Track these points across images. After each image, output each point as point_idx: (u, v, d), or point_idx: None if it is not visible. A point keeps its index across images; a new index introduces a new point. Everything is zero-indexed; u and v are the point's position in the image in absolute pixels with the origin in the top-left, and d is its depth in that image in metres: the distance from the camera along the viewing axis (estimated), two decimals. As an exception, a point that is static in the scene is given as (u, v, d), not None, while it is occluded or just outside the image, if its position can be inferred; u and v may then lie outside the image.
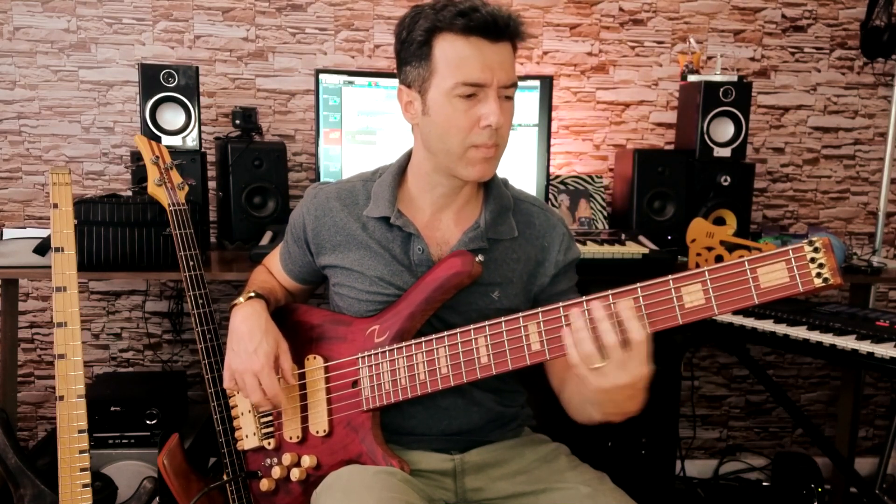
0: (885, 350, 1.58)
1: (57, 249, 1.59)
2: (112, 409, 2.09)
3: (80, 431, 1.57)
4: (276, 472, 1.38)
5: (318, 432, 1.35)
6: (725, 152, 2.33)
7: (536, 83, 2.26)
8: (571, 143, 2.64)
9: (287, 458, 1.37)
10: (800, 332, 1.73)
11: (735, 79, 2.35)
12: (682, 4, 2.61)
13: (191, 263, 1.59)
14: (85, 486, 1.57)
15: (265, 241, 2.06)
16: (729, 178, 2.32)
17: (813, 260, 1.00)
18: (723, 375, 2.82)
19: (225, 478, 1.50)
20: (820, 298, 2.31)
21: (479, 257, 1.28)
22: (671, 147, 2.61)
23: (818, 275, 1.00)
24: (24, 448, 2.00)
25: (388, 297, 1.33)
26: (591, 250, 2.05)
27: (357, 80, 2.24)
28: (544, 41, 2.59)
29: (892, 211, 2.71)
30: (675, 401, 2.27)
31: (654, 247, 2.14)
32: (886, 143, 2.49)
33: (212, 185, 2.36)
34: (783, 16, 2.65)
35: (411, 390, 1.27)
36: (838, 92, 2.70)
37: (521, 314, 1.19)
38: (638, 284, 1.09)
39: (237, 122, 2.27)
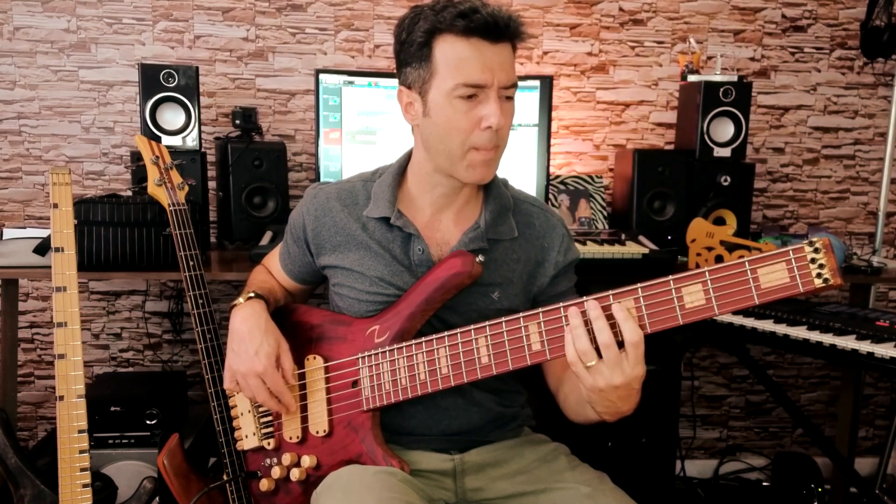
0: (885, 350, 1.58)
1: (57, 249, 1.59)
2: (112, 409, 2.09)
3: (80, 431, 1.57)
4: (276, 472, 1.38)
5: (318, 432, 1.35)
6: (725, 152, 2.34)
7: (536, 83, 2.26)
8: (571, 143, 2.64)
9: (287, 459, 1.37)
10: (800, 332, 1.73)
11: (735, 79, 2.35)
12: (682, 4, 2.61)
13: (191, 263, 1.59)
14: (85, 486, 1.57)
15: (265, 241, 2.06)
16: (729, 178, 2.32)
17: (813, 260, 1.00)
18: (723, 375, 2.83)
19: (225, 478, 1.50)
20: (820, 298, 2.31)
21: (480, 258, 1.28)
22: (671, 147, 2.61)
23: (818, 275, 1.00)
24: (24, 448, 2.00)
25: (389, 297, 1.33)
26: (591, 250, 2.05)
27: (357, 80, 2.24)
28: (544, 41, 2.59)
29: (892, 211, 2.71)
30: (675, 401, 2.27)
31: (654, 247, 2.14)
32: (886, 143, 2.49)
33: (212, 185, 2.36)
34: (783, 16, 2.65)
35: (411, 390, 1.27)
36: (838, 92, 2.70)
37: (521, 314, 1.19)
38: (638, 285, 1.09)
39: (237, 122, 2.27)
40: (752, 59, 2.66)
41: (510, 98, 1.26)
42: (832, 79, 2.69)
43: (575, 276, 1.45)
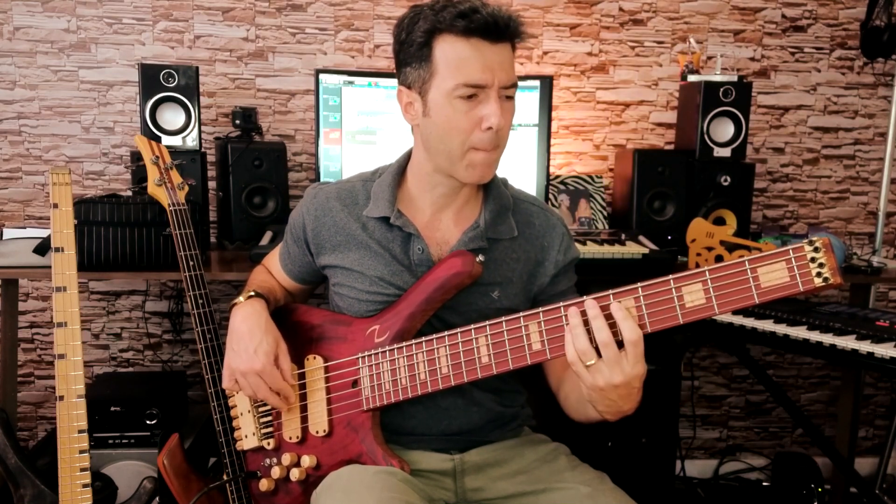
0: (885, 350, 1.58)
1: (57, 249, 1.58)
2: (112, 409, 2.09)
3: (80, 431, 1.57)
4: (276, 472, 1.38)
5: (317, 432, 1.35)
6: (725, 152, 2.34)
7: (536, 83, 2.26)
8: (571, 143, 2.64)
9: (287, 459, 1.37)
10: (800, 332, 1.73)
11: (735, 79, 2.35)
12: (682, 4, 2.61)
13: (191, 263, 1.59)
14: (85, 486, 1.57)
15: (265, 241, 2.06)
16: (729, 178, 2.32)
17: (813, 259, 1.00)
18: (723, 375, 2.83)
19: (225, 478, 1.50)
20: (820, 298, 2.31)
21: (480, 257, 1.28)
22: (671, 147, 2.61)
23: (818, 274, 1.00)
24: (24, 448, 2.00)
25: (389, 297, 1.33)
26: (591, 250, 2.05)
27: (357, 80, 2.24)
28: (544, 41, 2.59)
29: (892, 211, 2.71)
30: (675, 401, 2.27)
31: (654, 247, 2.14)
32: (886, 143, 2.49)
33: (212, 185, 2.36)
34: (783, 16, 2.65)
35: (412, 390, 1.27)
36: (838, 92, 2.70)
37: (521, 314, 1.19)
38: (638, 284, 1.09)
39: (237, 122, 2.27)
40: (752, 59, 2.66)
41: (510, 98, 1.27)
42: (832, 79, 2.69)
43: (575, 275, 1.45)
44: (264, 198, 2.25)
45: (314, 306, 1.45)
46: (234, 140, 2.26)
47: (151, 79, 2.13)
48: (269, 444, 1.41)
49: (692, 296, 1.07)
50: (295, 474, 1.35)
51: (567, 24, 2.59)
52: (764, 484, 2.76)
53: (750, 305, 1.04)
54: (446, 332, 1.25)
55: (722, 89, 2.30)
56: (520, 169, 2.27)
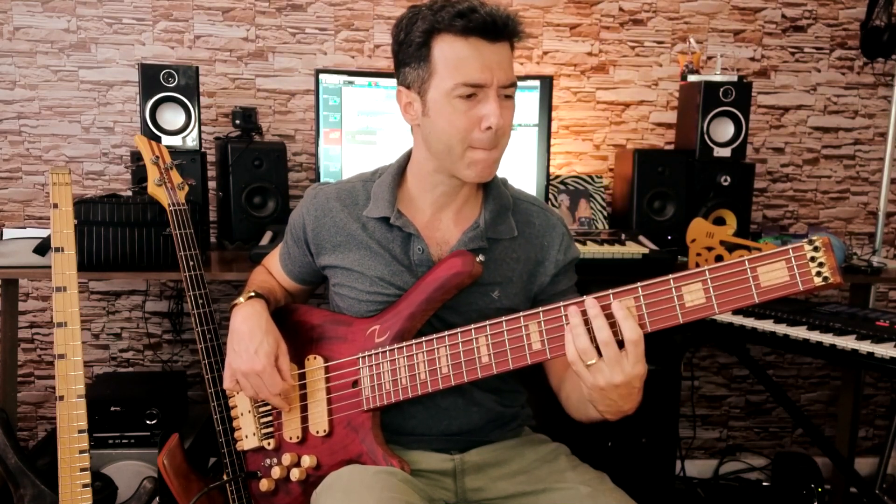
0: (885, 350, 1.58)
1: (57, 249, 1.58)
2: (112, 409, 2.09)
3: (80, 431, 1.57)
4: (276, 472, 1.38)
5: (318, 432, 1.35)
6: (725, 152, 2.33)
7: (536, 83, 2.26)
8: (571, 143, 2.64)
9: (287, 459, 1.37)
10: (800, 332, 1.73)
11: (735, 79, 2.35)
12: (682, 4, 2.61)
13: (191, 263, 1.59)
14: (85, 486, 1.57)
15: (265, 241, 2.06)
16: (729, 178, 2.32)
17: (813, 259, 1.00)
18: (723, 375, 2.83)
19: (225, 478, 1.50)
20: (820, 298, 2.31)
21: (480, 257, 1.28)
22: (671, 147, 2.61)
23: (818, 273, 1.00)
24: (24, 448, 2.00)
25: (389, 297, 1.33)
26: (591, 250, 2.05)
27: (357, 80, 2.24)
28: (544, 41, 2.59)
29: (892, 211, 2.71)
30: (675, 401, 2.27)
31: (654, 247, 2.14)
32: (886, 143, 2.48)
33: (212, 185, 2.36)
34: (783, 16, 2.65)
35: (412, 390, 1.27)
36: (838, 92, 2.70)
37: (521, 313, 1.19)
38: (638, 284, 1.09)
39: (237, 122, 2.27)
40: (752, 59, 2.66)
41: (509, 97, 1.26)
42: (832, 79, 2.69)
43: (575, 274, 1.45)
44: (264, 198, 2.25)
45: (314, 306, 1.45)
46: (234, 140, 2.26)
47: (151, 79, 2.13)
48: (269, 444, 1.41)
49: (692, 295, 1.07)
50: (295, 474, 1.35)
51: (567, 24, 2.59)
52: (764, 484, 2.76)
53: (750, 305, 1.04)
54: (446, 332, 1.25)
55: (722, 89, 2.30)
56: (520, 169, 2.27)
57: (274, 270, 1.54)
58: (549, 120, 2.28)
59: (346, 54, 2.51)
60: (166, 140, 2.12)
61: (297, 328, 1.41)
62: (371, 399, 1.31)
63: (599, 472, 1.34)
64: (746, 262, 1.04)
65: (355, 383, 1.33)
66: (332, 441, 1.34)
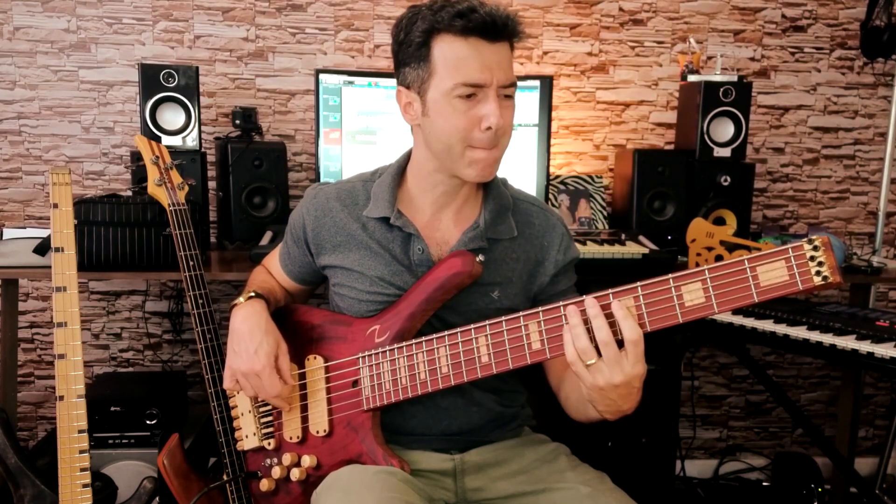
0: (885, 350, 1.58)
1: (57, 249, 1.59)
2: (112, 409, 2.09)
3: (80, 431, 1.57)
4: (276, 472, 1.38)
5: (318, 432, 1.35)
6: (725, 152, 2.33)
7: (536, 83, 2.26)
8: (571, 143, 2.64)
9: (287, 459, 1.37)
10: (800, 332, 1.73)
11: (735, 79, 2.35)
12: (682, 4, 2.61)
13: (191, 263, 1.59)
14: (85, 486, 1.57)
15: (265, 241, 2.06)
16: (729, 178, 2.32)
17: (812, 258, 1.00)
18: (723, 375, 2.82)
19: (225, 478, 1.50)
20: (820, 298, 2.31)
21: (480, 257, 1.28)
22: (671, 147, 2.61)
23: (818, 273, 1.00)
24: (24, 448, 2.00)
25: (389, 297, 1.33)
26: (591, 250, 2.05)
27: (357, 80, 2.24)
28: (544, 41, 2.59)
29: (892, 211, 2.71)
30: (675, 401, 2.27)
31: (654, 247, 2.14)
32: (886, 143, 2.48)
33: (212, 185, 2.36)
34: (783, 16, 2.65)
35: (412, 390, 1.27)
36: (838, 92, 2.70)
37: (521, 313, 1.19)
38: (638, 283, 1.09)
39: (237, 122, 2.27)
40: (752, 59, 2.66)
41: (509, 97, 1.26)
42: (832, 79, 2.69)
43: (575, 275, 1.45)
44: (264, 198, 2.25)
45: (314, 306, 1.45)
46: (234, 140, 2.26)
47: (151, 79, 2.13)
48: (269, 444, 1.41)
49: (692, 295, 1.07)
50: (295, 474, 1.35)
51: (567, 24, 2.59)
52: (764, 484, 2.76)
53: (749, 304, 1.04)
54: (446, 332, 1.25)
55: (722, 89, 2.30)
56: (520, 169, 2.27)
57: (274, 270, 1.54)
58: (549, 120, 2.28)
59: (346, 54, 2.51)
60: (166, 140, 2.12)
61: (297, 328, 1.41)
62: (371, 399, 1.31)
63: (599, 472, 1.34)
64: (746, 262, 1.04)
65: (355, 383, 1.33)
66: (332, 441, 1.34)
